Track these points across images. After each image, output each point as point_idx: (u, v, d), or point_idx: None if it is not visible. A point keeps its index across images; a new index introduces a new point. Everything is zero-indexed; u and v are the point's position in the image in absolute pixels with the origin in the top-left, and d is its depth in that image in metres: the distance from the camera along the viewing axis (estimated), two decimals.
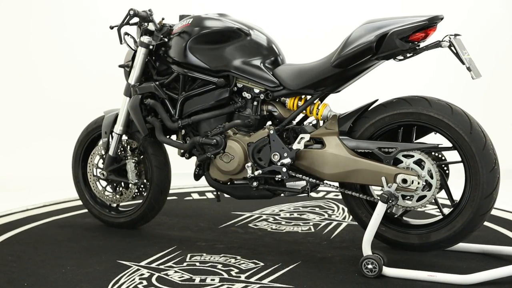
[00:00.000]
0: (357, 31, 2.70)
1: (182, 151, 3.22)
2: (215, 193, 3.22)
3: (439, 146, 2.67)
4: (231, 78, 3.02)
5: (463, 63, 2.61)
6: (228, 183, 3.11)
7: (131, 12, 3.03)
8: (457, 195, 2.75)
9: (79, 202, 3.97)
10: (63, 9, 5.19)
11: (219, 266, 2.82)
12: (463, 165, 2.68)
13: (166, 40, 3.16)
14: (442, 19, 2.65)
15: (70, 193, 4.16)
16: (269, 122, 3.08)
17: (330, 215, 3.72)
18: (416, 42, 2.66)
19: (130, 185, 3.39)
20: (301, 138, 2.84)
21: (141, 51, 3.19)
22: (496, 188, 2.63)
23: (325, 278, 2.65)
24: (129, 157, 3.35)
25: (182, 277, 2.68)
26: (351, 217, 3.64)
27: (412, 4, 4.51)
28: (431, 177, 2.67)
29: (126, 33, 3.08)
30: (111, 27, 3.12)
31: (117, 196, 3.43)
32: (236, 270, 2.76)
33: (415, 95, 2.76)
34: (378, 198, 2.67)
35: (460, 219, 2.67)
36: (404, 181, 2.66)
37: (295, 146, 2.85)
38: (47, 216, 3.74)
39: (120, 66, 3.28)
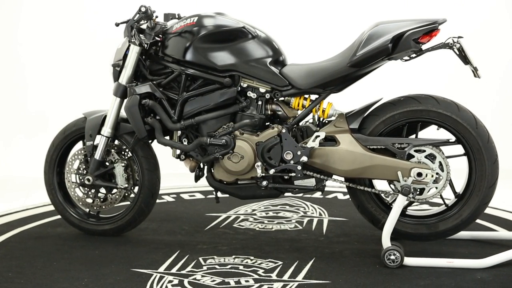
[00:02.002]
0: (371, 32, 2.80)
1: (178, 153, 3.15)
2: (215, 194, 3.17)
3: (449, 140, 2.86)
4: (236, 77, 3.00)
5: (468, 63, 2.80)
6: (228, 184, 3.08)
7: (143, 9, 2.90)
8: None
9: (42, 210, 3.74)
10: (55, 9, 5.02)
11: (241, 267, 2.80)
12: (467, 158, 2.90)
13: (159, 38, 3.07)
14: (445, 22, 2.83)
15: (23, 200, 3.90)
16: (267, 122, 3.09)
17: (306, 212, 3.80)
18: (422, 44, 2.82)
19: (115, 190, 3.24)
20: (317, 136, 2.89)
21: (134, 50, 3.07)
22: (497, 178, 2.87)
23: (352, 272, 2.73)
24: (118, 161, 3.20)
25: (214, 280, 2.63)
26: (326, 213, 3.74)
27: (406, 6, 4.74)
28: (442, 170, 2.85)
29: (135, 31, 2.94)
30: (117, 24, 2.98)
31: (100, 203, 3.26)
32: (262, 270, 2.75)
33: (421, 94, 2.93)
34: (397, 192, 2.79)
35: (467, 208, 2.88)
36: (419, 174, 2.81)
37: (310, 144, 2.90)
38: (11, 228, 3.45)
39: (114, 65, 3.12)
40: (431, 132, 3.00)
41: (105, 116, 3.20)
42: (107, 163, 3.22)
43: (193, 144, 3.02)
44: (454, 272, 2.69)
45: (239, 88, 3.01)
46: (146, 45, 3.06)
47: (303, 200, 4.08)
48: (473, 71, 2.85)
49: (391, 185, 3.01)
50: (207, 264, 2.84)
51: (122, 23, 2.99)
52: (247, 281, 2.63)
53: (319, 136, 2.89)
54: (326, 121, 3.07)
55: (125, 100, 3.10)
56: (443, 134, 2.94)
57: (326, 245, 3.12)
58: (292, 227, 3.46)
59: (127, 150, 3.26)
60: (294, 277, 2.66)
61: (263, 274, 2.70)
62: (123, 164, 3.19)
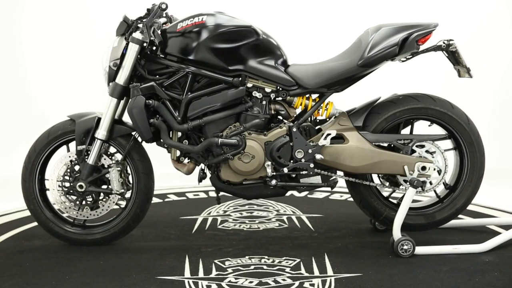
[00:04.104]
0: (378, 34, 2.93)
1: (178, 155, 3.07)
2: (216, 195, 3.12)
3: (447, 135, 3.07)
4: (243, 77, 2.99)
5: (458, 64, 3.03)
6: (234, 185, 3.06)
7: (163, 6, 2.77)
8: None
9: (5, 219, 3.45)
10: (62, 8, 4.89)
11: (265, 267, 2.80)
12: (459, 152, 3.13)
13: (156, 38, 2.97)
14: (437, 25, 3.04)
15: None
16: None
17: (278, 210, 3.85)
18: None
19: (105, 195, 3.08)
20: (328, 134, 2.96)
21: (133, 49, 2.94)
22: (484, 170, 3.14)
23: (372, 263, 2.83)
24: (113, 165, 3.03)
25: (252, 282, 2.61)
26: (298, 210, 3.82)
27: (399, 9, 4.86)
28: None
29: (154, 28, 2.80)
30: (132, 21, 2.84)
31: (90, 210, 3.07)
32: (288, 268, 2.77)
33: (417, 92, 3.11)
34: (409, 185, 2.95)
35: (461, 198, 3.12)
36: (423, 168, 2.99)
37: (321, 142, 2.97)
38: None
39: (114, 65, 2.95)
40: (418, 129, 3.19)
41: (99, 118, 3.02)
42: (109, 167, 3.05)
43: (202, 145, 2.95)
44: (462, 257, 2.89)
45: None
46: (146, 44, 2.94)
47: (267, 199, 4.12)
48: (458, 71, 3.08)
49: (381, 179, 3.17)
50: (228, 266, 2.80)
51: (138, 19, 2.85)
52: (284, 279, 2.64)
53: (330, 134, 2.97)
54: (318, 120, 3.16)
55: (129, 101, 2.95)
56: (432, 131, 3.15)
57: (325, 240, 3.20)
58: (277, 226, 3.49)
59: (115, 154, 3.11)
60: (324, 273, 2.71)
61: (293, 272, 2.72)
62: (118, 169, 3.03)
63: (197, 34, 2.91)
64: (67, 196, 3.06)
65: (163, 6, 2.79)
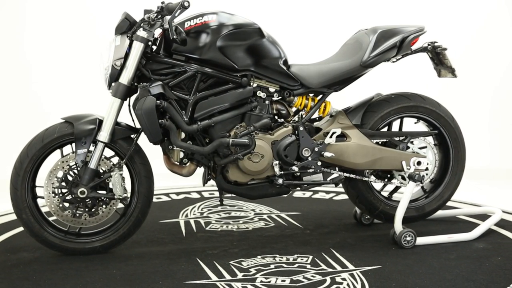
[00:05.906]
0: (378, 35, 3.05)
1: (181, 157, 3.01)
2: (219, 196, 3.09)
3: (436, 132, 3.26)
4: (248, 77, 2.99)
5: (443, 64, 3.23)
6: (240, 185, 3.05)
7: (186, 4, 2.67)
8: None
9: None
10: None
11: (284, 265, 2.81)
12: (444, 147, 3.32)
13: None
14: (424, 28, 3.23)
15: None
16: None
17: (254, 210, 3.86)
18: None
19: (104, 201, 2.94)
20: (333, 132, 3.04)
21: (138, 47, 2.84)
22: (465, 163, 3.37)
23: (381, 255, 2.93)
24: (115, 169, 2.90)
25: (284, 280, 2.62)
26: (274, 209, 3.86)
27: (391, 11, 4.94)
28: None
29: (176, 26, 2.70)
30: (152, 19, 2.71)
31: (88, 217, 2.92)
32: (308, 265, 2.80)
33: (407, 92, 3.27)
34: (409, 179, 3.10)
35: (447, 190, 3.32)
36: (419, 163, 3.15)
37: (327, 140, 3.03)
38: None
39: (119, 64, 2.81)
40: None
41: (100, 120, 2.88)
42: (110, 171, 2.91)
43: (213, 145, 2.91)
44: (458, 246, 3.07)
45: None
46: (150, 42, 2.85)
47: (236, 200, 4.11)
48: (439, 71, 3.28)
49: (368, 174, 3.30)
50: (248, 267, 2.79)
51: (156, 18, 2.74)
52: (313, 276, 2.67)
53: (335, 132, 3.04)
54: (309, 119, 3.22)
55: (138, 102, 2.83)
56: (417, 128, 3.33)
57: (321, 236, 3.26)
58: (264, 225, 3.51)
59: (112, 157, 2.98)
60: (346, 267, 2.78)
61: (316, 268, 2.76)
62: (121, 172, 2.91)
63: (206, 33, 2.87)
64: (64, 203, 2.88)
65: (186, 5, 2.70)
